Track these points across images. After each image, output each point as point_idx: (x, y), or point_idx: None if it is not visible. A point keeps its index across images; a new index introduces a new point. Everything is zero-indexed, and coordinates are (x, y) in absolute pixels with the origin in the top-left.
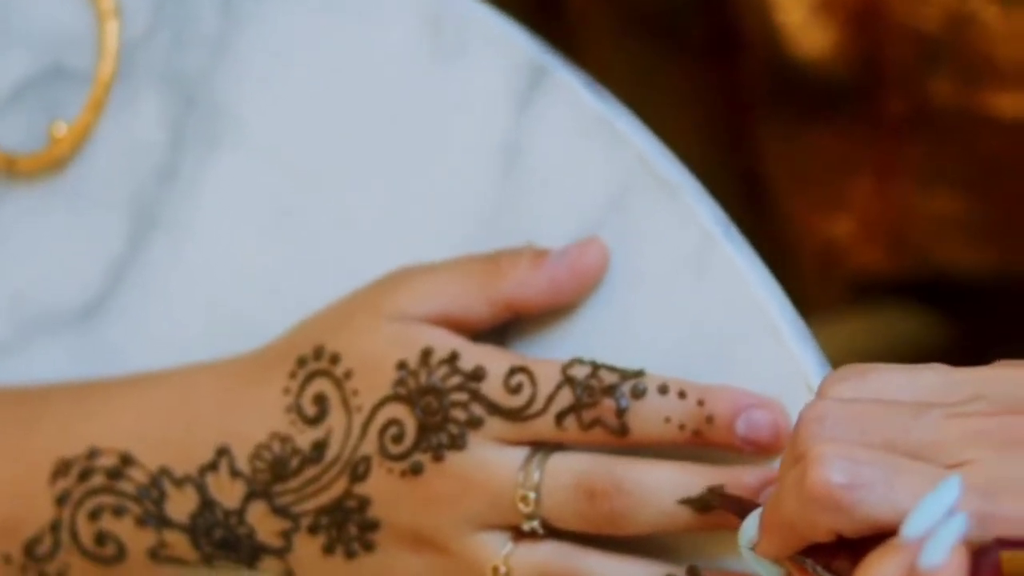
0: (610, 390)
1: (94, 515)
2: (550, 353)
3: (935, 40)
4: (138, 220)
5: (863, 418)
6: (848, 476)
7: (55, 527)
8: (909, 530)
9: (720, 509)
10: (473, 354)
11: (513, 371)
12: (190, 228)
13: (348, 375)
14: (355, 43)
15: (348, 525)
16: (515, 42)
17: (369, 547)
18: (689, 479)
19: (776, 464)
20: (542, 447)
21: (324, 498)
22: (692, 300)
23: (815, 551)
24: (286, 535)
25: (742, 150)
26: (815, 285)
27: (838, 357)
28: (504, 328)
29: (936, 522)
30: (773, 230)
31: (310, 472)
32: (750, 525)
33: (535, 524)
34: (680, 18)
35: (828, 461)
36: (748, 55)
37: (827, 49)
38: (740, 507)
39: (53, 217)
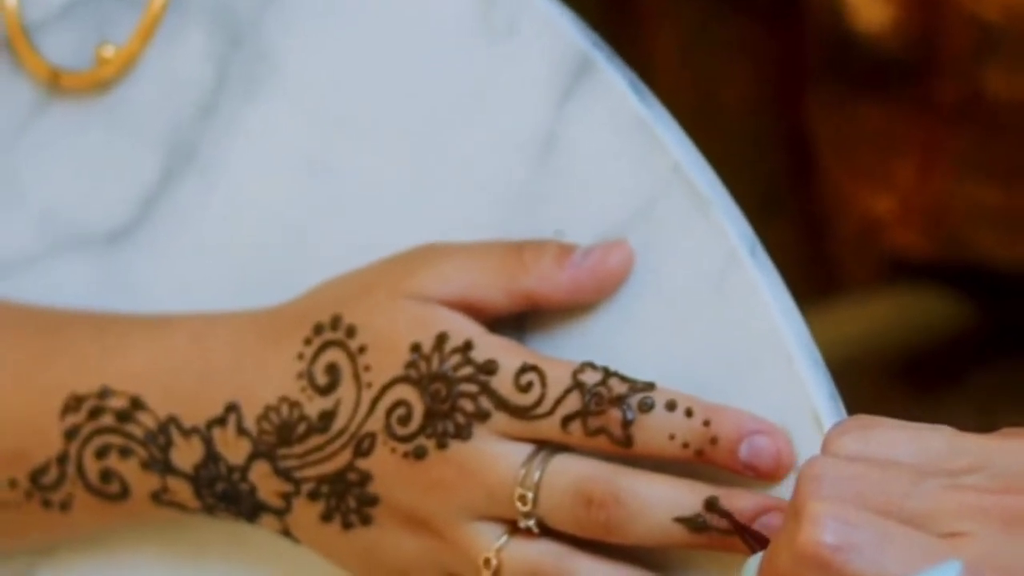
0: (618, 400)
1: (101, 453)
2: (565, 348)
3: (994, 30)
4: (173, 154)
5: (861, 480)
6: (839, 537)
7: (62, 460)
8: None
9: (724, 529)
10: (487, 346)
11: (525, 369)
12: (223, 169)
13: (362, 350)
14: (406, 8)
15: (348, 497)
16: (566, 31)
17: (366, 521)
18: (686, 497)
19: (775, 491)
20: (545, 446)
21: (327, 467)
22: (711, 317)
23: None
24: (286, 497)
25: (792, 115)
26: (851, 257)
27: (866, 336)
28: (524, 317)
29: None
30: (815, 197)
31: (315, 440)
32: (751, 568)
33: (531, 523)
34: None
35: (821, 521)
36: (808, 22)
37: (886, 26)
38: (748, 536)
39: (90, 138)
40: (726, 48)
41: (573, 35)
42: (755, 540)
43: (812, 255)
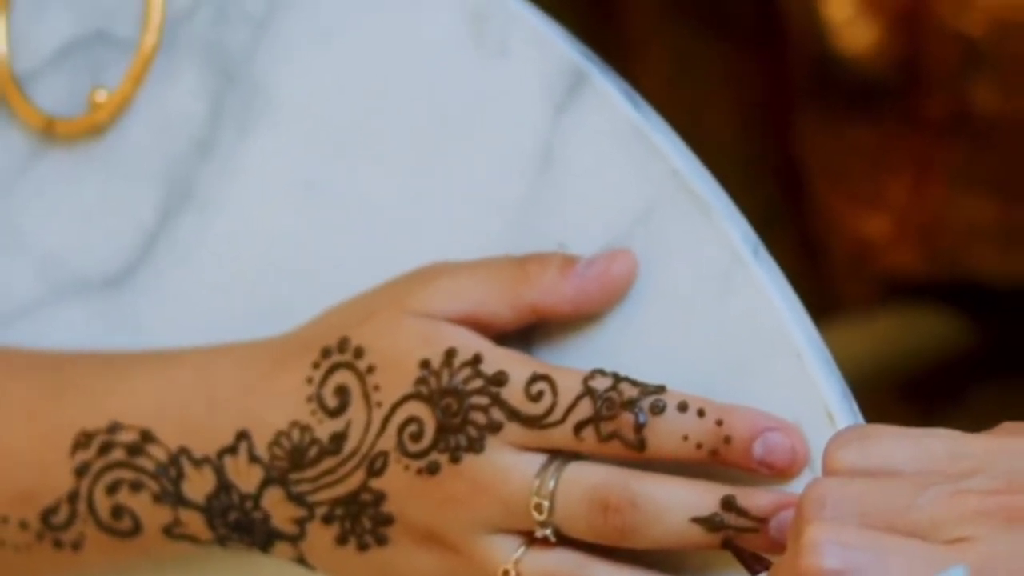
0: (630, 404)
1: (112, 489)
2: (573, 359)
3: (979, 45)
4: (171, 193)
5: (863, 498)
6: (839, 561)
7: (72, 498)
8: None
9: (741, 528)
10: (496, 358)
11: (535, 378)
12: (223, 205)
13: (371, 370)
14: (398, 32)
15: (362, 518)
16: (557, 45)
17: (382, 541)
18: (703, 497)
19: (790, 487)
20: (559, 455)
21: (340, 489)
22: (717, 319)
23: None
24: (300, 523)
25: (781, 140)
26: (846, 280)
27: (865, 357)
28: (530, 330)
29: None
30: (808, 221)
31: (327, 463)
32: None
33: (548, 532)
34: (726, 5)
35: (819, 546)
36: (792, 46)
37: (871, 47)
38: (752, 562)
39: (87, 182)
40: (713, 76)
41: (565, 49)
42: (756, 562)
43: (807, 279)
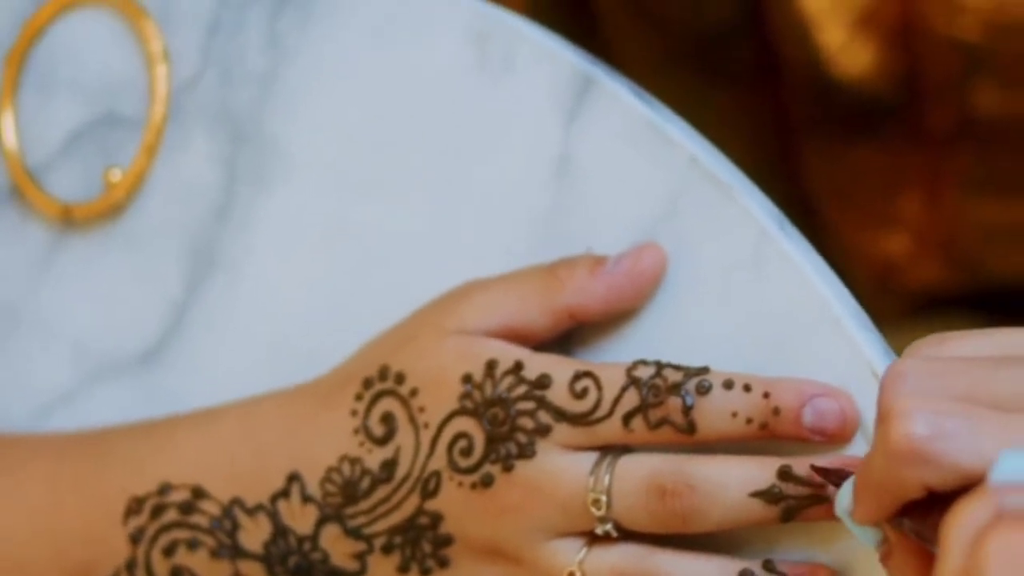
0: (675, 388)
1: (168, 550)
2: (613, 358)
3: (976, 50)
4: (195, 261)
5: (944, 373)
6: (931, 427)
7: (130, 566)
8: (997, 475)
9: (801, 496)
10: (537, 363)
11: (578, 376)
12: (247, 265)
13: (414, 393)
14: (403, 65)
15: (422, 542)
16: (561, 55)
17: (444, 563)
18: (758, 471)
19: (844, 452)
20: (611, 450)
21: (396, 517)
22: (752, 297)
23: (910, 511)
24: (360, 557)
25: (789, 172)
26: (871, 302)
27: None
28: (567, 337)
29: None
30: (825, 251)
31: (381, 492)
32: (844, 493)
33: (608, 527)
34: (722, 43)
35: (910, 415)
36: (790, 77)
37: (868, 67)
38: (834, 476)
39: (110, 263)
40: (713, 113)
41: (569, 56)
42: (836, 475)
43: None
